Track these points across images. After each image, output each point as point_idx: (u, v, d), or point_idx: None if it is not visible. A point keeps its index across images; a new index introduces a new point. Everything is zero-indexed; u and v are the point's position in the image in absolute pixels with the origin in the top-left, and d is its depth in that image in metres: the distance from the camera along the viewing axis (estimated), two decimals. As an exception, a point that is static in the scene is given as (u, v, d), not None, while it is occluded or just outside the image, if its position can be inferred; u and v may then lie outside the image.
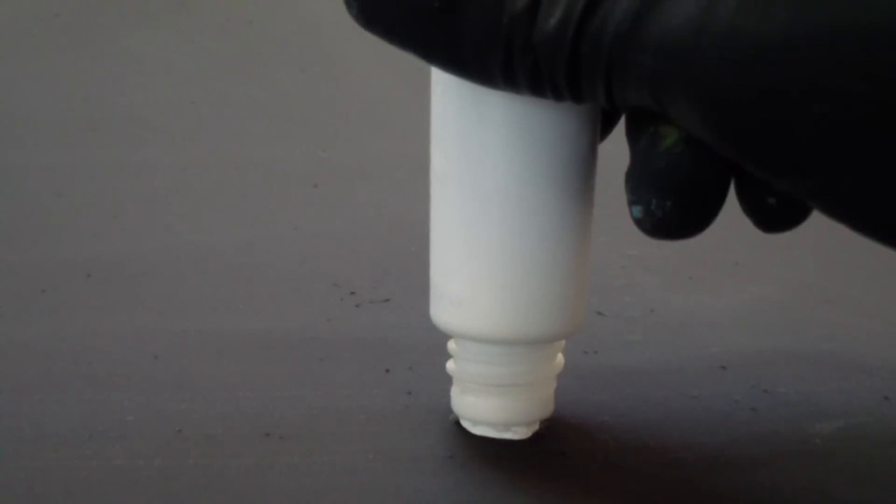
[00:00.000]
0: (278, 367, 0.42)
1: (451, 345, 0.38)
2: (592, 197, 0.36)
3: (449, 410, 0.39)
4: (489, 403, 0.37)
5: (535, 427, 0.39)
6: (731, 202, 0.31)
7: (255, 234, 0.54)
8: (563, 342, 0.38)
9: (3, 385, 0.40)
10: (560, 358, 0.38)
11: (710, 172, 0.30)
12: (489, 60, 0.31)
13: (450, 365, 0.39)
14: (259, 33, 0.83)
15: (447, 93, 0.35)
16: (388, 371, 0.42)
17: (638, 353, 0.45)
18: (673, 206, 0.31)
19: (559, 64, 0.30)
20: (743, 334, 0.47)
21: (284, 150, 0.64)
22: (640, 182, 0.31)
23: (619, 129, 0.34)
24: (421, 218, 0.38)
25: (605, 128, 0.37)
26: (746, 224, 0.31)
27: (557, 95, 0.31)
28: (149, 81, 0.74)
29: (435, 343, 0.42)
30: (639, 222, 0.32)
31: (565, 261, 0.36)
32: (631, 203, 0.32)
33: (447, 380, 0.39)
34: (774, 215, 0.32)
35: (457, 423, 0.39)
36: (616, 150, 0.36)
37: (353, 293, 0.48)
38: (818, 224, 0.32)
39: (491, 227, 0.35)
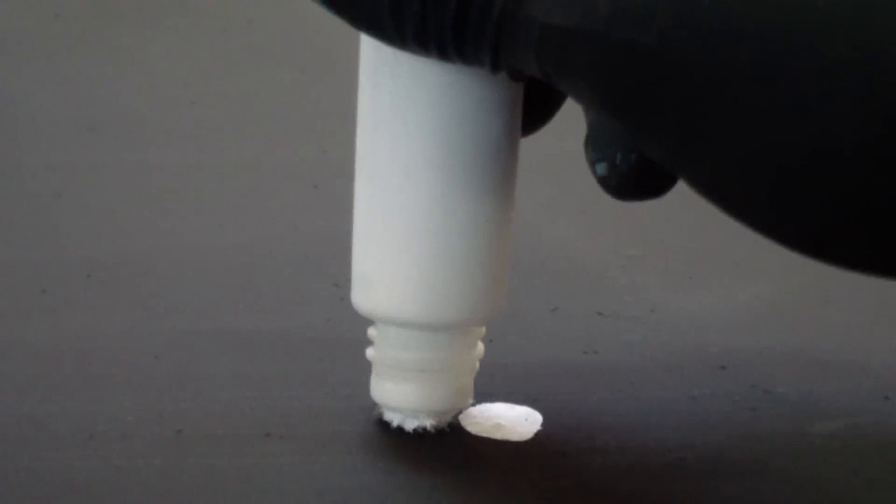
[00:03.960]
0: (278, 367, 0.42)
1: (371, 331, 0.38)
2: (511, 182, 0.35)
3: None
4: (400, 388, 0.37)
5: (448, 418, 0.38)
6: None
7: (255, 234, 0.54)
8: (482, 330, 0.38)
9: (3, 385, 0.40)
10: (480, 347, 0.38)
11: None
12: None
13: (368, 352, 0.38)
14: (259, 33, 0.83)
15: (365, 67, 0.35)
16: (388, 371, 0.42)
17: (638, 353, 0.45)
18: (639, 158, 0.30)
19: (447, 12, 0.29)
20: (743, 334, 0.46)
21: (284, 150, 0.64)
22: (603, 137, 0.30)
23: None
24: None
25: (538, 117, 0.36)
26: (746, 224, 0.31)
27: (442, 51, 0.30)
28: (149, 81, 0.74)
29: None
30: (603, 180, 0.31)
31: (473, 245, 0.35)
32: (594, 162, 0.31)
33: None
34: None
35: (379, 418, 0.38)
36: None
37: (353, 293, 0.48)
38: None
39: (392, 208, 0.35)
